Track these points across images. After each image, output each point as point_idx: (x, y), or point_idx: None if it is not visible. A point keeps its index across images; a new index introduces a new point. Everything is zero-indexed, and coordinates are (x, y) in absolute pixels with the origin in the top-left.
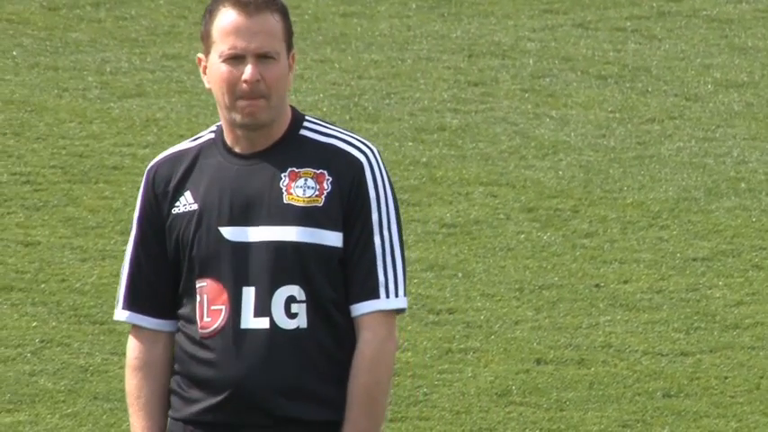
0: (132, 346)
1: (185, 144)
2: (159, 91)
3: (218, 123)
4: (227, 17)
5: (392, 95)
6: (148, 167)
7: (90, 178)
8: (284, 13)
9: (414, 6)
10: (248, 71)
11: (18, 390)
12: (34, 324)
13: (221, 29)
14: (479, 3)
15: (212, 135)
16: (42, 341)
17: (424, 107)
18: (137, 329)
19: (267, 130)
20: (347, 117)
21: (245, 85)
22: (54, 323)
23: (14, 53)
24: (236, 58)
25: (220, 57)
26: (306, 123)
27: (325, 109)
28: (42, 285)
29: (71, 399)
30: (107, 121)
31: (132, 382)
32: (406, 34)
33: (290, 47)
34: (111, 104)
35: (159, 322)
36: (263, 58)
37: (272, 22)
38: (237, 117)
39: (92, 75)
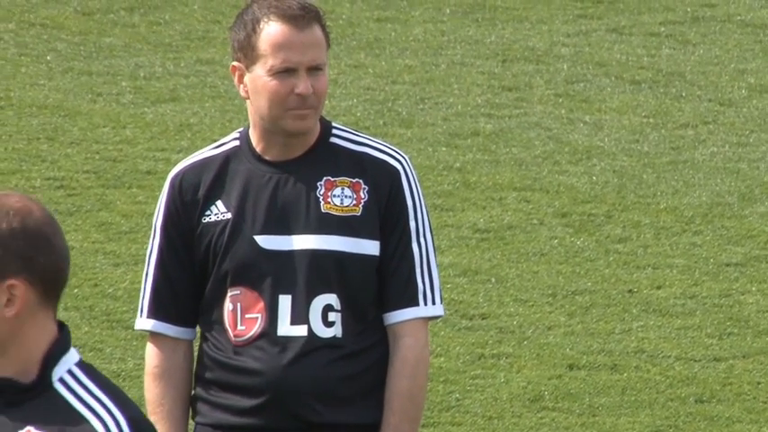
0: (152, 354)
1: (208, 151)
2: (193, 96)
3: (239, 130)
4: (277, 30)
5: (426, 100)
6: (172, 175)
7: (123, 183)
8: (323, 22)
9: (448, 11)
10: (302, 85)
11: None
12: None
13: (271, 42)
14: (513, 8)
15: (237, 142)
16: (75, 346)
17: (457, 112)
18: (157, 337)
19: (303, 136)
20: (381, 122)
21: (297, 98)
22: (86, 328)
23: (48, 58)
24: (287, 71)
25: (270, 70)
26: (334, 131)
27: (359, 114)
28: (75, 290)
29: None
30: (140, 125)
31: (154, 391)
32: (439, 39)
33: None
34: (145, 109)
35: (181, 330)
36: (313, 70)
37: (318, 33)
38: (287, 125)
39: (125, 80)
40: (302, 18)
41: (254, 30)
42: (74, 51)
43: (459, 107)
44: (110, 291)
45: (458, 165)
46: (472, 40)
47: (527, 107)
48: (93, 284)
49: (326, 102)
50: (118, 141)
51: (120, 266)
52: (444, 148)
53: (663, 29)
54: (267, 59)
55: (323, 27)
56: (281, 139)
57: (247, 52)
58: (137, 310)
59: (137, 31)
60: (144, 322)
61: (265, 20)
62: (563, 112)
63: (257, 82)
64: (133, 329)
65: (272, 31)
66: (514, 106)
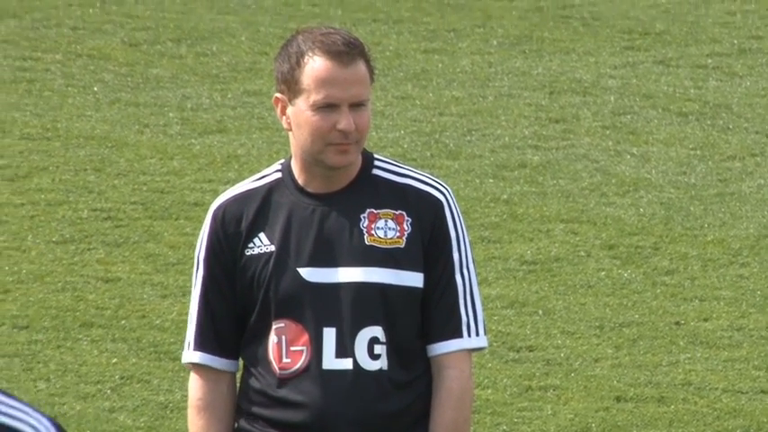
0: (196, 387)
1: (250, 183)
2: (240, 127)
3: (280, 161)
4: (320, 66)
5: (473, 132)
6: (215, 207)
7: (171, 214)
8: (369, 58)
9: (495, 43)
10: (345, 121)
11: (98, 426)
12: (114, 360)
13: (315, 78)
14: (560, 40)
15: (279, 174)
16: (122, 378)
17: (505, 144)
18: (200, 369)
19: (345, 169)
20: (428, 154)
21: (339, 134)
22: (134, 360)
23: (95, 89)
24: (330, 106)
25: (313, 105)
26: (377, 162)
27: (405, 146)
28: (123, 322)
29: None
30: (188, 157)
31: (198, 423)
32: (487, 71)
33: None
34: (192, 141)
35: (225, 362)
36: (356, 105)
37: (362, 69)
38: (328, 159)
39: (173, 111)
40: (346, 54)
41: (297, 63)
42: (121, 82)
43: (507, 139)
44: (157, 322)
45: (505, 196)
46: (519, 71)
47: (574, 139)
48: (140, 316)
49: (374, 133)
50: (165, 173)
51: (168, 298)
52: (491, 180)
53: (710, 61)
54: (310, 94)
55: (367, 62)
56: (323, 171)
57: (291, 85)
58: (184, 342)
59: (184, 62)
60: (192, 355)
61: (310, 54)
62: (610, 143)
63: (300, 116)
64: (180, 361)
65: (315, 66)
66: (561, 138)
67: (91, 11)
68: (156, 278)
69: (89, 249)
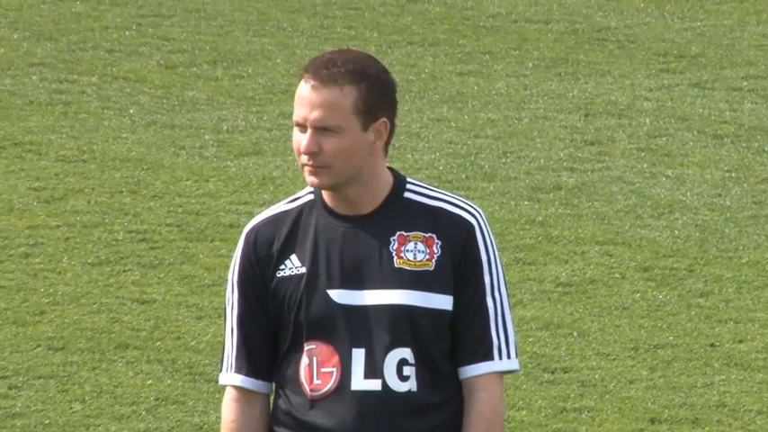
0: (230, 409)
1: (284, 205)
2: (276, 149)
3: None
4: (301, 86)
5: (508, 154)
6: (247, 230)
7: (206, 236)
8: (365, 84)
9: (530, 65)
10: (304, 141)
11: None
12: (149, 382)
13: (296, 96)
14: (596, 62)
15: (311, 196)
16: (157, 399)
17: (540, 166)
18: (234, 391)
19: (360, 193)
20: (463, 176)
21: (304, 155)
22: (169, 381)
23: (131, 111)
24: (300, 126)
25: (294, 123)
26: (409, 186)
27: (441, 167)
28: (158, 343)
29: None
30: (223, 179)
31: None
32: (522, 93)
33: (371, 116)
34: (228, 163)
35: (259, 384)
36: (323, 129)
37: (338, 95)
38: (306, 179)
39: (208, 133)
40: (323, 76)
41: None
42: (157, 105)
43: (542, 161)
44: (192, 344)
45: (540, 218)
46: (555, 94)
47: (609, 161)
48: (175, 337)
49: (409, 155)
50: (200, 194)
51: (203, 319)
52: (527, 202)
53: (745, 83)
54: (295, 111)
55: (359, 88)
56: (338, 194)
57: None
58: (219, 363)
59: (220, 84)
60: (231, 377)
61: (303, 74)
62: (645, 166)
63: None
64: (216, 382)
65: (300, 84)
66: (597, 160)
67: (127, 33)
68: (191, 300)
69: (124, 271)
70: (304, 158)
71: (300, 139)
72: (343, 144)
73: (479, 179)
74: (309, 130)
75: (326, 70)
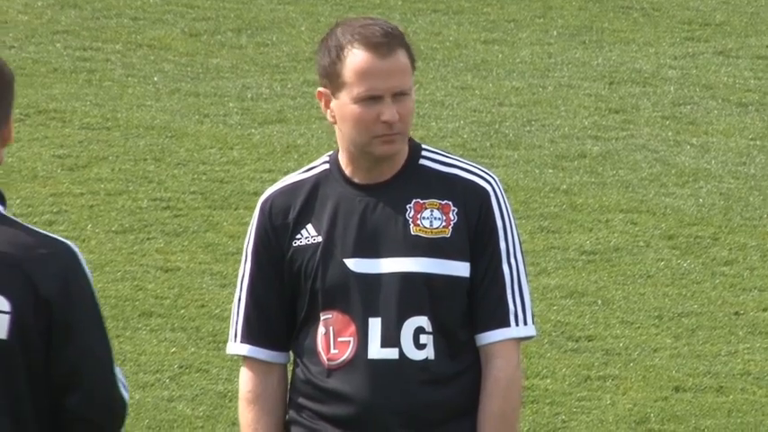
0: (246, 379)
1: (298, 175)
2: (300, 117)
3: (329, 153)
4: (361, 59)
5: (533, 122)
6: (263, 199)
7: (230, 204)
8: (408, 45)
9: (555, 34)
10: (388, 112)
11: (156, 415)
12: (173, 350)
13: (356, 70)
14: (620, 30)
15: (326, 165)
16: (181, 367)
17: (564, 134)
18: (251, 362)
19: (391, 160)
20: (488, 144)
21: (383, 125)
22: (193, 349)
23: (155, 79)
24: (372, 98)
25: (356, 98)
26: (424, 153)
27: (465, 136)
28: (182, 311)
29: (209, 425)
30: (248, 147)
31: (248, 416)
32: (546, 61)
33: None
34: (252, 130)
35: (274, 354)
36: (399, 95)
37: (402, 58)
38: (374, 150)
39: (232, 101)
40: (385, 45)
41: (338, 57)
42: (181, 72)
43: (566, 129)
44: (216, 312)
45: (564, 187)
46: (579, 62)
47: (634, 129)
48: (199, 305)
49: (433, 123)
50: (225, 162)
51: (227, 287)
52: (551, 171)
53: None
54: (352, 87)
55: (407, 50)
56: (369, 163)
57: (333, 79)
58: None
59: (244, 52)
60: (237, 347)
61: (349, 47)
62: (670, 134)
63: (344, 109)
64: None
65: (356, 59)
66: (621, 128)
67: (151, 1)
68: (215, 268)
69: (148, 239)
70: (382, 129)
71: (372, 111)
72: (412, 106)
73: (504, 147)
74: (388, 99)
75: (385, 38)
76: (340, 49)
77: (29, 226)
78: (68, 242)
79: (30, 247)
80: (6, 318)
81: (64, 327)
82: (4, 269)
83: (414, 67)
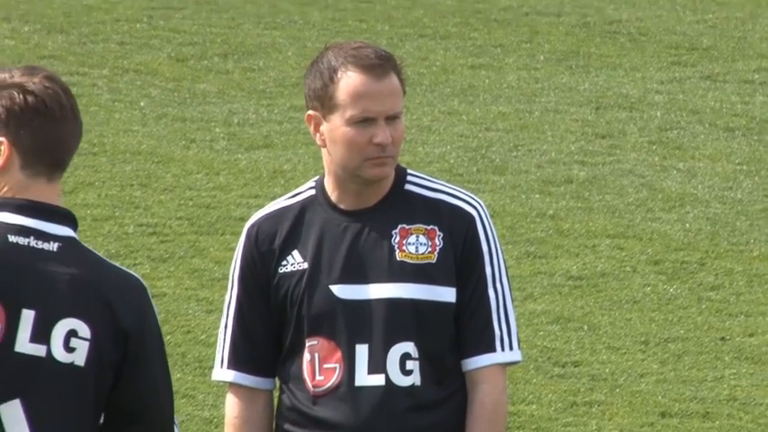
0: (232, 405)
1: (285, 201)
2: (287, 142)
3: (315, 179)
4: (355, 80)
5: (519, 147)
6: (249, 225)
7: (216, 230)
8: (400, 69)
9: (541, 59)
10: (382, 135)
11: None
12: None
13: (351, 92)
14: (607, 55)
15: (312, 191)
16: None
17: (551, 159)
18: (237, 388)
19: (378, 185)
20: (474, 169)
21: (376, 147)
22: (179, 375)
23: (142, 104)
24: (366, 121)
25: (349, 120)
26: (409, 177)
27: (452, 161)
28: (168, 337)
29: None
30: (234, 172)
31: None
32: (533, 86)
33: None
34: (239, 156)
35: (260, 380)
36: (391, 118)
37: (395, 81)
38: (365, 173)
39: (219, 126)
40: (379, 67)
41: (331, 79)
42: (167, 98)
43: (553, 154)
44: (202, 337)
45: (551, 212)
46: (566, 87)
47: (620, 154)
48: (185, 331)
49: (419, 148)
50: (211, 188)
51: (213, 313)
52: (538, 196)
53: (757, 76)
54: (346, 109)
55: (399, 74)
56: (357, 187)
57: (324, 102)
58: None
59: (230, 77)
60: (223, 373)
61: (343, 69)
62: (656, 159)
63: (335, 131)
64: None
65: (350, 81)
66: (608, 153)
67: (138, 26)
68: (201, 293)
69: (135, 264)
70: (374, 151)
71: (365, 133)
72: (403, 129)
73: (490, 172)
74: (381, 121)
75: (379, 60)
76: (333, 72)
77: (101, 255)
78: (139, 276)
79: (110, 278)
80: (86, 345)
81: (136, 360)
82: (88, 296)
83: (404, 91)
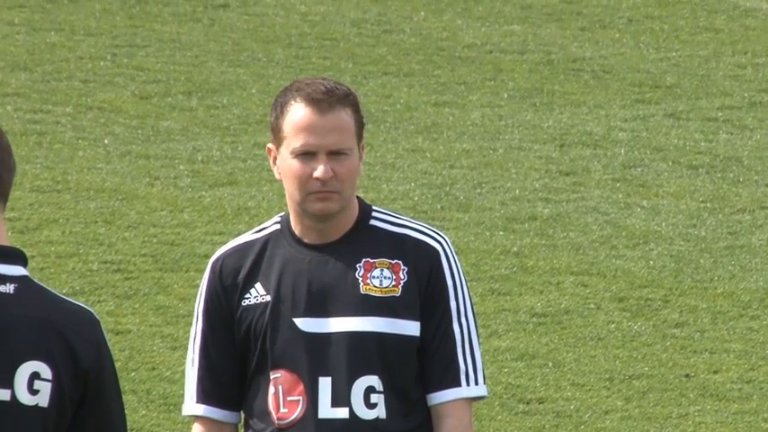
0: None
1: (250, 235)
2: (251, 179)
3: (281, 214)
4: (299, 113)
5: (483, 185)
6: (213, 260)
7: (181, 267)
8: (356, 107)
9: (505, 96)
10: (321, 169)
11: None
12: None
13: (294, 124)
14: (571, 92)
15: (278, 226)
16: (132, 429)
17: (515, 197)
18: (203, 422)
19: (337, 220)
20: (438, 206)
21: (317, 182)
22: (144, 411)
23: (106, 141)
24: (307, 154)
25: (292, 153)
26: (374, 213)
27: (416, 198)
28: (132, 374)
29: None
30: (198, 209)
31: None
32: (497, 124)
33: (361, 138)
34: (203, 193)
35: (226, 414)
36: (335, 154)
37: (345, 117)
38: (309, 208)
39: (183, 163)
40: (325, 102)
41: (281, 112)
42: (131, 135)
43: (517, 191)
44: (167, 374)
45: (515, 249)
46: (530, 124)
47: (584, 192)
48: (150, 368)
49: (384, 185)
50: (175, 225)
51: (178, 350)
52: (502, 233)
53: (720, 114)
54: (290, 141)
55: (354, 110)
56: (312, 221)
57: (276, 134)
58: (185, 394)
59: (194, 114)
60: (193, 407)
61: (291, 102)
62: (620, 196)
63: (284, 163)
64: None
65: (294, 113)
66: (572, 191)
67: (101, 63)
68: (165, 330)
69: (99, 301)
70: (315, 186)
71: (307, 167)
72: (352, 166)
73: (454, 209)
74: (322, 156)
75: (327, 95)
76: (284, 105)
77: (54, 291)
78: (92, 310)
79: (66, 315)
80: (49, 386)
81: (94, 396)
82: (48, 336)
83: (361, 129)
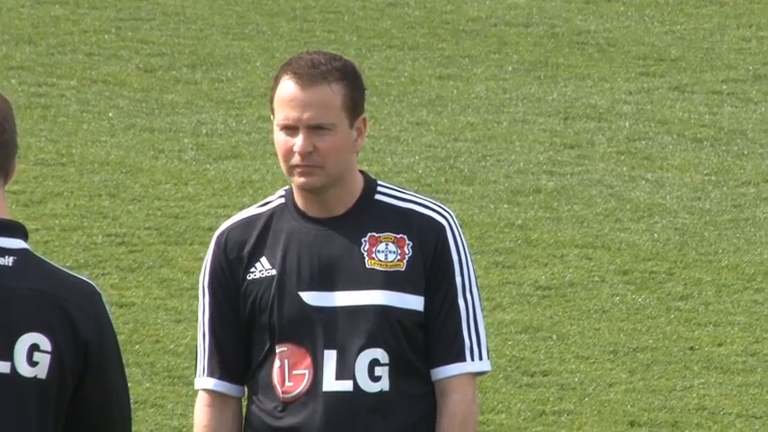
0: (202, 412)
1: (254, 209)
2: (255, 153)
3: (285, 188)
4: (285, 87)
5: (488, 158)
6: (218, 234)
7: (185, 240)
8: (348, 81)
9: (510, 69)
10: (299, 143)
11: None
12: (128, 385)
13: (279, 98)
14: (576, 66)
15: (282, 200)
16: (136, 402)
17: (519, 169)
18: (208, 395)
19: (336, 194)
20: (443, 179)
21: (297, 156)
22: (148, 384)
23: (110, 114)
24: (289, 128)
25: (278, 126)
26: (379, 188)
27: (420, 171)
28: (137, 346)
29: None
30: (203, 182)
31: None
32: (501, 97)
33: (355, 113)
34: (207, 166)
35: (232, 387)
36: (316, 128)
37: (328, 93)
38: (295, 181)
39: (187, 136)
40: (307, 76)
41: (274, 85)
42: (136, 108)
43: (521, 164)
44: (171, 347)
45: (519, 222)
46: (534, 97)
47: (589, 165)
48: (154, 341)
49: (388, 159)
50: (180, 198)
51: (182, 323)
52: (506, 206)
53: (725, 87)
54: (277, 114)
55: (345, 85)
56: (310, 195)
57: (271, 107)
58: (196, 368)
59: (199, 88)
60: (204, 381)
61: (282, 76)
62: (625, 169)
63: (274, 135)
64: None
65: (281, 87)
66: (576, 164)
67: (106, 37)
68: (170, 303)
69: (103, 274)
70: (296, 159)
71: (290, 141)
72: (336, 142)
73: (458, 182)
74: (302, 130)
75: (314, 69)
76: (277, 79)
77: (55, 264)
78: (93, 283)
79: (66, 288)
80: (48, 358)
81: (96, 369)
82: (47, 308)
83: (355, 104)
